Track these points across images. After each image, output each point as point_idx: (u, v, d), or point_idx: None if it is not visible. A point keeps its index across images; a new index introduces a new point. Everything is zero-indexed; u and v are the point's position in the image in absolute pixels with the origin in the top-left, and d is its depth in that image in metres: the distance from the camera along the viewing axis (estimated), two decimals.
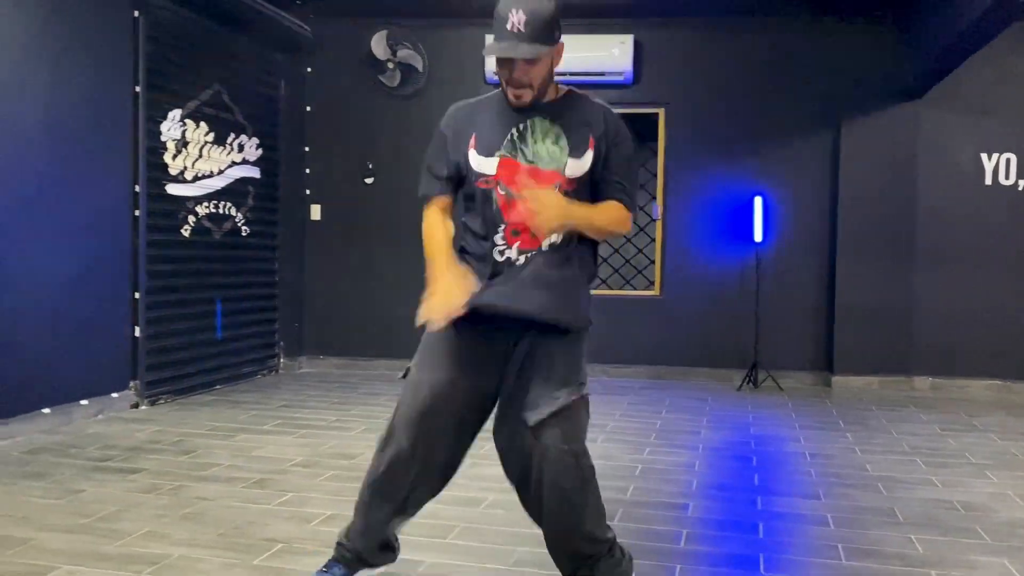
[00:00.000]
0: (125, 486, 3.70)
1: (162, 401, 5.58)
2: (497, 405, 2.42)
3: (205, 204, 6.01)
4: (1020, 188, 6.59)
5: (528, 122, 2.32)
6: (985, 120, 6.59)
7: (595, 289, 7.52)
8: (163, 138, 5.56)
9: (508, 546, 3.06)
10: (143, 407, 5.41)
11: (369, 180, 7.22)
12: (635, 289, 7.39)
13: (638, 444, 4.68)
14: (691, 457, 4.44)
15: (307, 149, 7.28)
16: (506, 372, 2.35)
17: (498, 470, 4.13)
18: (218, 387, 6.20)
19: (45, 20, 4.66)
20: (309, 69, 7.25)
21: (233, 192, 6.32)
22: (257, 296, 6.73)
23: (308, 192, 7.32)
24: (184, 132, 5.75)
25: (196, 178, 5.89)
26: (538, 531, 3.20)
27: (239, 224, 6.43)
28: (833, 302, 6.79)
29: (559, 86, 2.41)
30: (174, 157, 5.66)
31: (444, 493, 3.69)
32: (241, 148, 6.41)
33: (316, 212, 7.34)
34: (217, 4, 5.82)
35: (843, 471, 4.19)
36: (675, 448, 4.62)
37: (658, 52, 7.01)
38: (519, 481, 2.40)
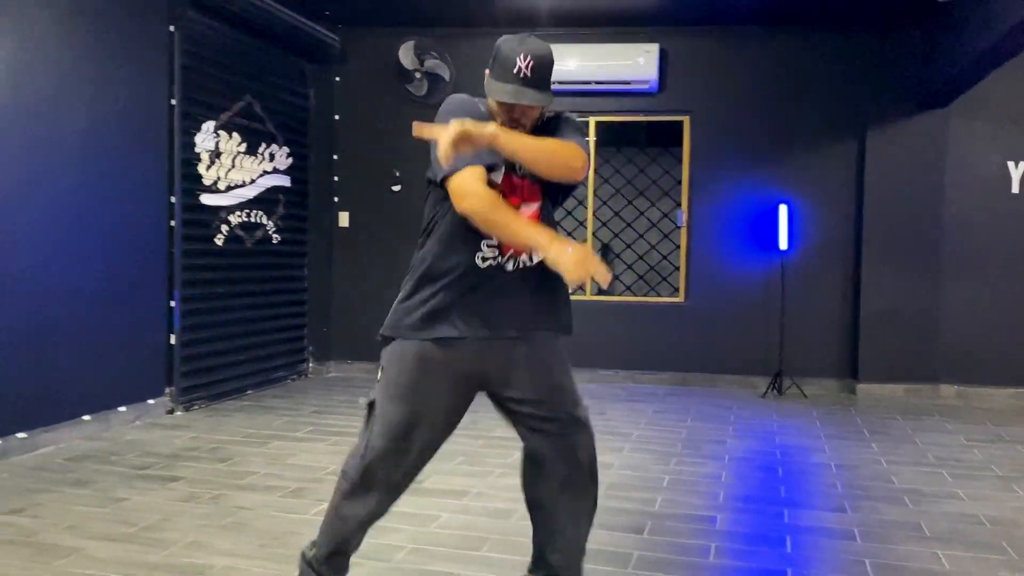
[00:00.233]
0: (166, 495, 3.81)
1: (196, 407, 5.71)
2: (514, 411, 2.43)
3: (237, 213, 6.13)
4: None
5: None
6: (1012, 128, 6.58)
7: (620, 295, 7.58)
8: (197, 149, 5.68)
9: None
10: (178, 413, 5.54)
11: (396, 188, 7.32)
12: (659, 296, 7.44)
13: (664, 454, 4.74)
14: (717, 468, 4.50)
15: (335, 157, 7.38)
16: (510, 379, 2.38)
17: None
18: (249, 392, 6.33)
19: (86, 37, 4.78)
20: (338, 78, 7.35)
21: (264, 201, 6.44)
22: (286, 302, 6.85)
23: (336, 199, 7.44)
24: (217, 143, 5.87)
25: (229, 188, 6.01)
26: None
27: (270, 232, 6.55)
28: (858, 310, 6.81)
29: None
30: (208, 168, 5.78)
31: (474, 504, 3.78)
32: (272, 157, 6.52)
33: (344, 219, 7.45)
34: (250, 17, 5.93)
35: (869, 483, 4.23)
36: (701, 458, 4.68)
37: (683, 60, 7.05)
38: (566, 480, 2.44)
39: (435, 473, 4.19)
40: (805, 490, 4.17)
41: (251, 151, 6.27)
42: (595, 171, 7.35)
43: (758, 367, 6.94)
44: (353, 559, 2.60)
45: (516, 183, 2.33)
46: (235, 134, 6.07)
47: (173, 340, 5.50)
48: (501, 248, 2.31)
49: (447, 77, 7.13)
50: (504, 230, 2.17)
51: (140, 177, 5.21)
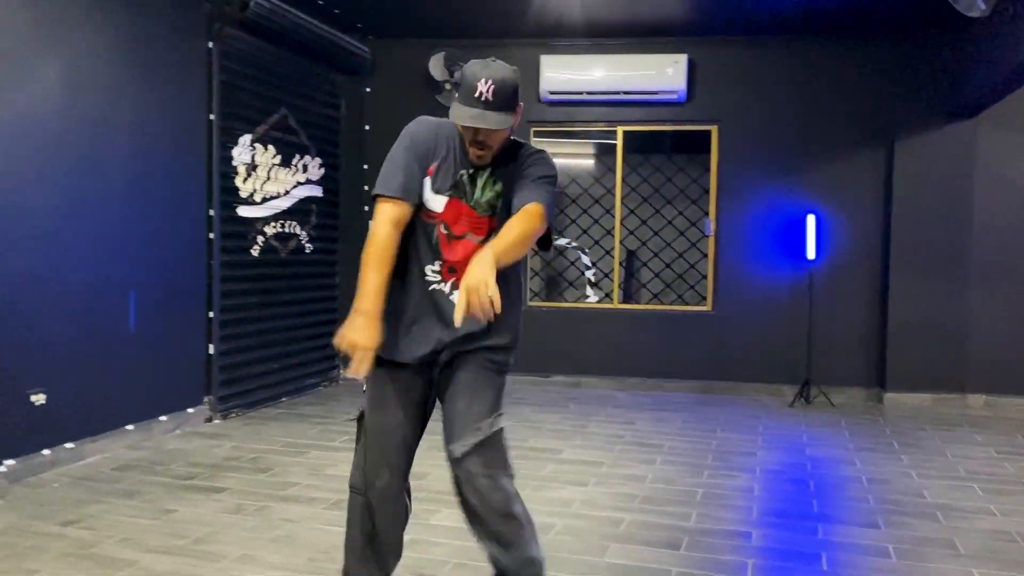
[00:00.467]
0: (212, 506, 3.92)
1: (233, 415, 5.83)
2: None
3: (272, 224, 6.24)
4: None
5: (470, 171, 2.44)
6: None
7: (647, 304, 7.61)
8: (235, 163, 5.79)
9: (586, 574, 3.20)
10: (216, 421, 5.66)
11: None
12: (687, 304, 7.48)
13: (696, 467, 4.80)
14: (749, 481, 4.56)
15: (365, 167, 7.48)
16: (440, 392, 2.56)
17: (561, 493, 4.30)
18: (284, 399, 6.45)
19: (130, 57, 4.90)
20: (368, 89, 7.46)
21: (298, 211, 6.56)
22: (318, 310, 6.96)
23: (366, 208, 7.54)
24: (253, 156, 5.98)
25: (264, 199, 6.13)
26: (614, 560, 3.36)
27: (303, 242, 6.67)
28: (886, 319, 6.84)
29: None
30: (244, 180, 5.90)
31: None
32: (305, 168, 6.63)
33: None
34: (285, 32, 6.04)
35: (901, 498, 4.27)
36: (733, 471, 4.74)
37: (711, 70, 7.10)
38: (468, 513, 2.53)
39: None
40: (837, 504, 4.22)
41: (285, 163, 6.38)
42: (623, 180, 7.41)
43: (785, 376, 6.98)
44: (400, 570, 2.69)
45: (463, 212, 2.43)
46: (270, 146, 6.18)
47: (212, 350, 5.62)
48: (443, 272, 2.46)
49: None
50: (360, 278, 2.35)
51: (181, 191, 5.34)
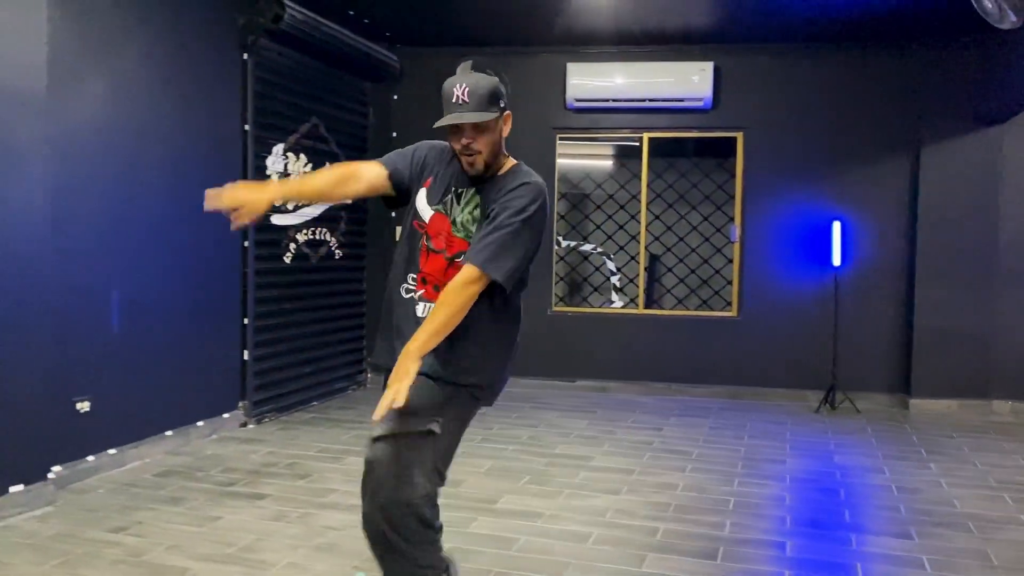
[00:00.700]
0: (255, 512, 4.01)
1: (267, 419, 5.93)
2: None
3: (304, 231, 6.34)
4: None
5: (464, 189, 2.55)
6: None
7: (671, 309, 7.64)
8: (268, 172, 5.89)
9: None
10: (250, 426, 5.76)
11: None
12: (712, 310, 7.53)
13: (726, 474, 4.85)
14: (780, 489, 4.61)
15: None
16: None
17: (594, 501, 4.36)
18: (314, 403, 6.54)
19: (168, 69, 4.99)
20: (395, 97, 7.54)
21: (327, 218, 6.65)
22: (347, 315, 7.06)
23: (393, 214, 7.61)
24: (286, 164, 6.08)
25: (296, 207, 6.21)
26: (652, 570, 3.42)
27: (332, 248, 6.76)
28: (911, 325, 6.86)
29: (510, 161, 2.60)
30: None
31: (550, 527, 3.93)
32: None
33: (400, 234, 7.62)
34: (316, 42, 6.11)
35: (932, 508, 4.31)
36: (763, 479, 4.79)
37: (737, 78, 7.13)
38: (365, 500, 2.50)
39: (506, 493, 4.36)
40: (869, 514, 4.27)
41: (316, 170, 6.46)
42: (647, 185, 7.46)
43: (810, 381, 7.02)
44: None
45: (444, 228, 2.53)
46: (302, 155, 6.27)
47: (246, 356, 5.71)
48: (417, 282, 2.56)
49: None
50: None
51: None
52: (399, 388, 2.31)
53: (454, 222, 2.53)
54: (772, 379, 7.14)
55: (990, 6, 4.90)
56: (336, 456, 5.08)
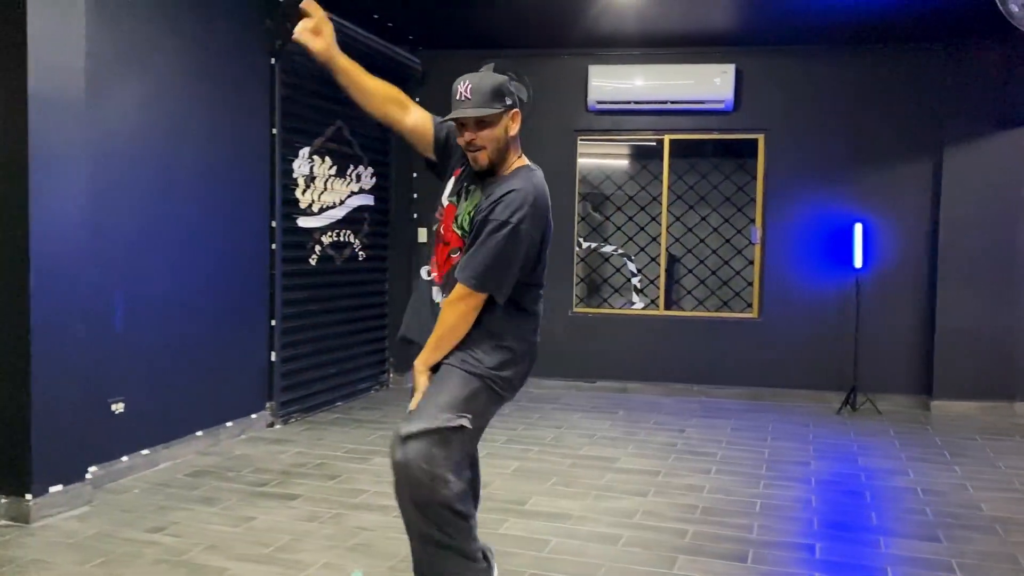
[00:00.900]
0: (288, 513, 4.07)
1: (293, 420, 6.00)
2: None
3: (329, 233, 6.40)
4: None
5: (474, 186, 2.64)
6: None
7: (692, 310, 7.67)
8: (295, 175, 5.95)
9: None
10: (277, 426, 5.83)
11: None
12: (732, 311, 7.55)
13: (751, 476, 4.88)
14: (805, 491, 4.63)
15: (415, 175, 7.62)
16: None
17: (622, 503, 4.40)
18: (339, 404, 6.61)
19: (200, 76, 5.06)
20: (417, 99, 7.57)
21: (351, 220, 6.71)
22: (370, 316, 7.13)
23: (416, 216, 7.68)
24: (312, 168, 6.14)
25: (322, 210, 6.28)
26: (683, 572, 3.46)
27: (356, 250, 6.82)
28: (933, 327, 6.86)
29: (520, 161, 2.66)
30: (303, 192, 6.06)
31: (580, 529, 3.97)
32: (359, 178, 6.79)
33: (423, 235, 7.68)
34: (341, 45, 6.13)
35: (958, 511, 4.33)
36: (788, 481, 4.81)
37: (758, 79, 7.15)
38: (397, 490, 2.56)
39: (533, 494, 4.41)
40: (896, 517, 4.29)
41: (340, 173, 6.53)
42: (668, 187, 7.49)
43: (832, 383, 7.03)
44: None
45: (450, 219, 2.65)
46: (327, 158, 6.33)
47: (274, 357, 5.78)
48: (431, 266, 2.71)
49: (525, 98, 7.31)
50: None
51: (246, 204, 5.50)
52: (418, 398, 2.59)
53: (456, 216, 2.62)
54: (793, 380, 7.16)
55: (1016, 9, 4.92)
56: (364, 456, 5.14)
